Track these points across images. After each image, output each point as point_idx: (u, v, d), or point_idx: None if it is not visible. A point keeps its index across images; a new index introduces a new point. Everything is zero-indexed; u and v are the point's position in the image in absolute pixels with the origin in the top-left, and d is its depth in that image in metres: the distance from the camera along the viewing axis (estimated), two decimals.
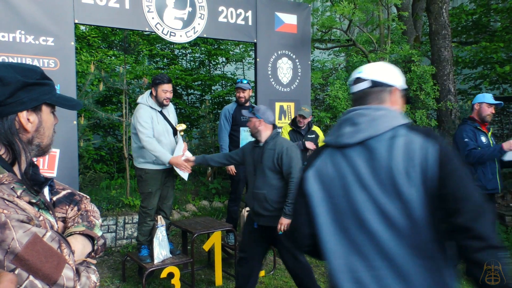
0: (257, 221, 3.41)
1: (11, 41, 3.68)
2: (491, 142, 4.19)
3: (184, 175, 4.21)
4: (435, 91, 6.39)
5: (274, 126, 3.51)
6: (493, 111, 4.17)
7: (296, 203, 1.52)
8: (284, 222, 3.22)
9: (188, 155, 4.28)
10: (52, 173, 3.86)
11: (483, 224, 1.21)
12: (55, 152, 3.90)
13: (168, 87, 4.07)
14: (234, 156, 3.71)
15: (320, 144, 4.88)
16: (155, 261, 3.90)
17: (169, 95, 4.10)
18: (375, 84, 1.47)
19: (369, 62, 7.16)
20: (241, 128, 4.81)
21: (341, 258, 1.35)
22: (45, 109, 1.13)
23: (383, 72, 1.50)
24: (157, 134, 4.03)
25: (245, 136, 4.73)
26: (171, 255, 4.06)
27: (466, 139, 4.04)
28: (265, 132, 3.41)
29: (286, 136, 4.79)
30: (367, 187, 1.32)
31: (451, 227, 1.23)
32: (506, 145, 3.89)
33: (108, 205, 5.60)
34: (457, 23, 9.40)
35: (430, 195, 1.25)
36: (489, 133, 4.25)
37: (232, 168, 4.84)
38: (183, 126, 4.26)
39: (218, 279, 4.17)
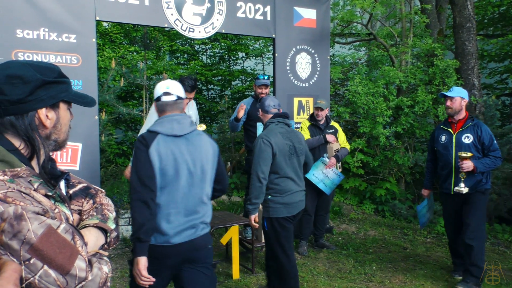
0: None
1: (35, 38, 3.79)
2: (453, 141, 4.03)
3: None
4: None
5: (279, 115, 3.42)
6: (448, 104, 4.04)
7: (147, 168, 2.18)
8: (249, 218, 3.37)
9: None
10: (74, 167, 3.97)
11: (226, 185, 2.53)
12: (78, 146, 4.01)
13: (190, 95, 4.11)
14: None
15: (340, 137, 4.92)
16: None
17: (188, 101, 4.18)
18: (179, 98, 2.36)
19: (390, 56, 7.04)
20: (258, 124, 4.82)
21: (164, 206, 2.21)
22: (62, 106, 1.17)
23: (180, 89, 2.40)
24: None
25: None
26: None
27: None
28: (264, 121, 3.50)
29: (305, 131, 4.81)
30: (185, 161, 2.23)
31: (217, 189, 2.44)
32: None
33: (129, 198, 5.71)
34: (483, 15, 9.10)
35: (213, 171, 2.37)
36: (458, 131, 4.02)
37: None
38: (203, 127, 4.31)
39: (236, 272, 4.22)
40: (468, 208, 3.99)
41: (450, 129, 4.10)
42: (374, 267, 4.54)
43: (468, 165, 3.85)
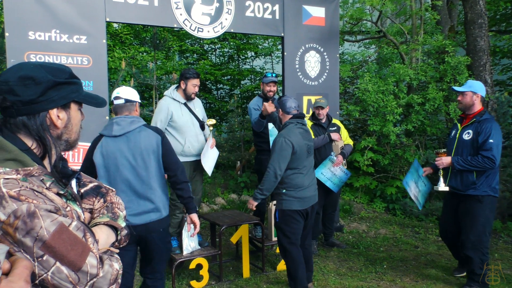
0: None
1: (47, 40, 3.84)
2: (457, 136, 3.87)
3: (208, 170, 4.30)
4: None
5: (298, 116, 3.66)
6: (459, 99, 3.88)
7: (86, 167, 2.74)
8: (250, 202, 3.67)
9: (215, 152, 4.36)
10: None
11: (184, 175, 2.84)
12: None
13: (197, 81, 4.27)
14: None
15: (342, 134, 4.94)
16: (184, 253, 4.00)
17: (197, 89, 4.31)
18: (127, 101, 2.76)
19: (400, 53, 6.99)
20: (269, 124, 4.81)
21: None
22: (73, 107, 1.19)
23: (131, 93, 2.80)
24: (181, 125, 4.16)
25: (273, 132, 4.74)
26: (199, 247, 4.15)
27: None
28: (284, 121, 3.68)
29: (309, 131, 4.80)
30: (126, 157, 2.70)
31: (170, 175, 2.82)
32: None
33: None
34: (495, 11, 8.98)
35: (159, 160, 2.76)
36: (463, 126, 3.86)
37: None
38: (212, 121, 4.32)
39: (246, 271, 4.23)
40: (465, 218, 3.81)
41: (459, 124, 3.97)
42: (385, 266, 4.51)
43: (440, 161, 3.77)
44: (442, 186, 3.88)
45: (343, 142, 4.90)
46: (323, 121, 4.82)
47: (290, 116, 3.63)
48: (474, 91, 3.82)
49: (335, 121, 4.99)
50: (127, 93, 2.79)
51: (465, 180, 3.78)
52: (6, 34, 3.68)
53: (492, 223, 3.83)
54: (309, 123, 4.84)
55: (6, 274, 0.83)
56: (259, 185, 3.60)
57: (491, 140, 3.63)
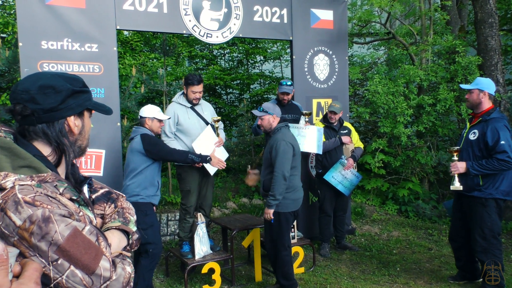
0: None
1: (59, 49, 3.91)
2: (464, 136, 3.78)
3: (211, 170, 4.28)
4: None
5: (284, 119, 3.90)
6: (467, 97, 3.77)
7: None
8: (266, 212, 3.63)
9: (222, 151, 4.35)
10: (98, 173, 4.07)
11: (162, 151, 3.68)
12: (101, 152, 4.11)
13: (197, 88, 4.16)
14: None
15: (353, 137, 4.94)
16: (196, 257, 4.02)
17: (198, 95, 4.21)
18: (140, 117, 3.69)
19: (410, 54, 6.95)
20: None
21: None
22: (86, 114, 1.24)
23: (144, 111, 3.68)
24: (187, 128, 4.17)
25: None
26: (211, 251, 4.16)
27: None
28: (273, 126, 3.79)
29: None
30: (127, 154, 3.63)
31: (150, 154, 3.64)
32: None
33: None
34: (506, 9, 8.87)
35: (143, 154, 3.59)
36: (470, 124, 3.76)
37: None
38: (217, 118, 4.33)
39: (258, 275, 4.23)
40: (472, 221, 3.74)
41: (468, 123, 3.87)
42: (398, 268, 4.48)
43: (455, 168, 3.65)
44: (457, 184, 3.74)
45: (353, 145, 4.90)
46: (335, 124, 4.83)
47: (278, 119, 3.76)
48: (481, 88, 3.69)
49: (346, 124, 4.98)
50: (142, 111, 3.70)
51: (469, 181, 3.69)
52: (20, 44, 3.76)
53: (500, 225, 3.72)
54: (320, 125, 4.84)
55: (17, 276, 0.86)
56: (270, 191, 3.60)
57: (502, 142, 3.50)
